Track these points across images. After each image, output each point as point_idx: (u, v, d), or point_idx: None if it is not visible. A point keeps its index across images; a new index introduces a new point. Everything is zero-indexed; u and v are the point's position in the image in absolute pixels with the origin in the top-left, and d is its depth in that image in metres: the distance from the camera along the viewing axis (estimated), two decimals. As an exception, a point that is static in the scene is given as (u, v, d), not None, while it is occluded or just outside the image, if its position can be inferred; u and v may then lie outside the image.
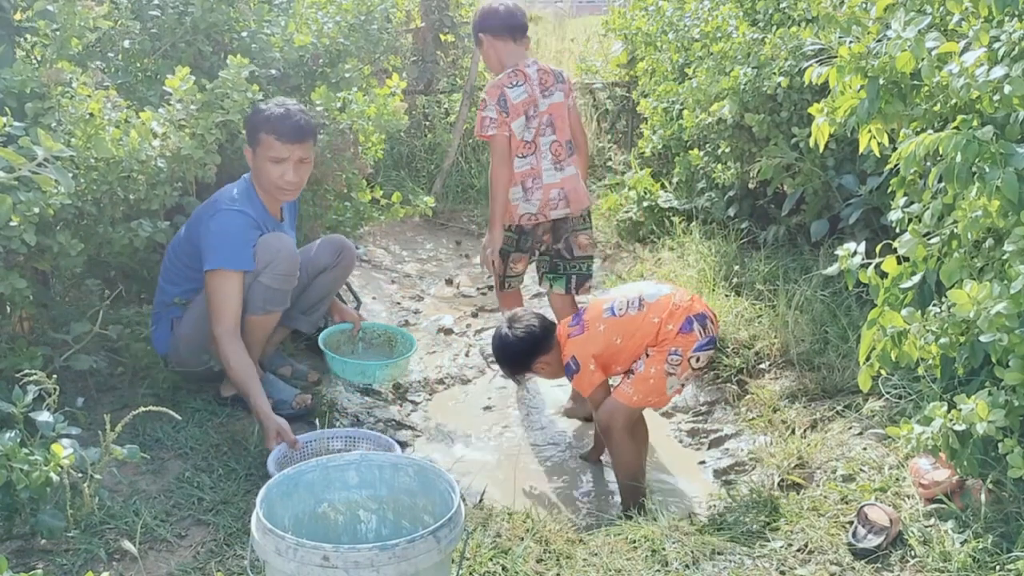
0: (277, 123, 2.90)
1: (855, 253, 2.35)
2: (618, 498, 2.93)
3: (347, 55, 3.93)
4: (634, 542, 2.40)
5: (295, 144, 2.93)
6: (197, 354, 3.00)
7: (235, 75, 3.05)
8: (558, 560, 2.32)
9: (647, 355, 2.74)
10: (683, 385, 2.79)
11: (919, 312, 2.19)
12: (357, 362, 3.22)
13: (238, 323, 2.86)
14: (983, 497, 2.25)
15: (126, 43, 3.39)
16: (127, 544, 2.17)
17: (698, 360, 2.72)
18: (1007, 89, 1.97)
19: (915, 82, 2.28)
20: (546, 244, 3.58)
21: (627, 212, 5.32)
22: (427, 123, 7.00)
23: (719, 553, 2.35)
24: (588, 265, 3.61)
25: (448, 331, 4.34)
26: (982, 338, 1.97)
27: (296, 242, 3.18)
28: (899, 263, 2.35)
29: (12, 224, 2.37)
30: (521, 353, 2.86)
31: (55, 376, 2.30)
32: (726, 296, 3.91)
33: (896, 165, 2.23)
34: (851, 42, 2.38)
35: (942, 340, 2.14)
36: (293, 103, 3.01)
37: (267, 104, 2.98)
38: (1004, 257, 2.04)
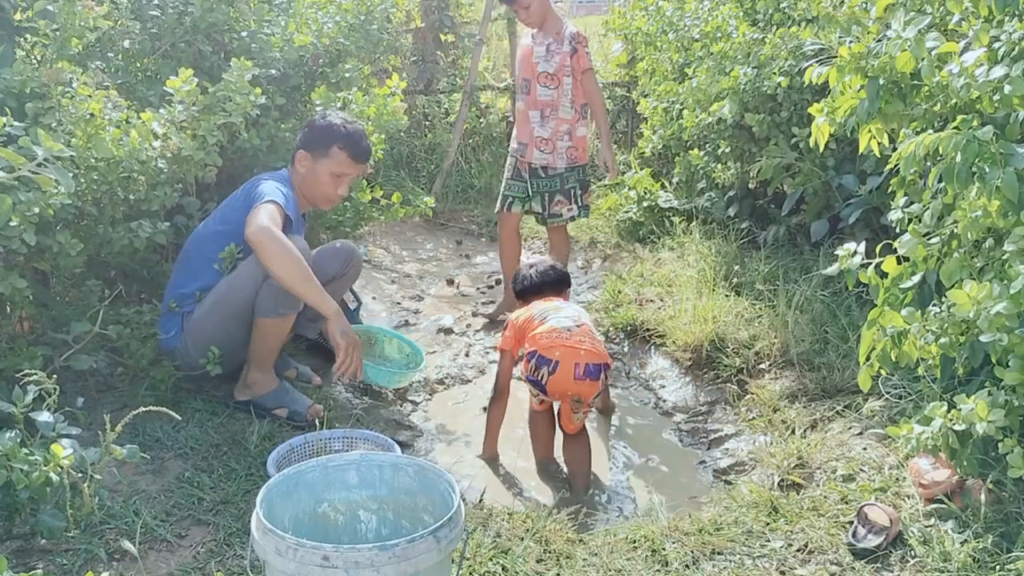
0: (354, 142, 3.06)
1: (855, 253, 2.35)
2: (618, 497, 2.95)
3: (347, 55, 3.93)
4: (634, 542, 2.40)
5: (361, 165, 3.12)
6: (206, 353, 2.98)
7: (238, 78, 3.05)
8: (558, 560, 2.32)
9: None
10: (545, 402, 3.04)
11: (919, 312, 2.19)
12: (388, 370, 3.32)
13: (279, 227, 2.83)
14: (983, 497, 2.25)
15: (126, 43, 3.39)
16: (127, 544, 2.17)
17: (534, 387, 2.98)
18: (1007, 89, 1.97)
19: (915, 82, 2.28)
20: None
21: (627, 212, 5.33)
22: (427, 123, 6.99)
23: (719, 553, 2.35)
24: None
25: (448, 331, 4.34)
26: (982, 338, 1.97)
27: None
28: (899, 263, 2.35)
29: (12, 224, 2.37)
30: (516, 291, 3.45)
31: (55, 376, 2.30)
32: (726, 296, 3.91)
33: (896, 165, 2.23)
34: (851, 42, 2.38)
35: (942, 340, 2.14)
36: (355, 121, 3.15)
37: (337, 118, 3.07)
38: (1004, 257, 2.04)
